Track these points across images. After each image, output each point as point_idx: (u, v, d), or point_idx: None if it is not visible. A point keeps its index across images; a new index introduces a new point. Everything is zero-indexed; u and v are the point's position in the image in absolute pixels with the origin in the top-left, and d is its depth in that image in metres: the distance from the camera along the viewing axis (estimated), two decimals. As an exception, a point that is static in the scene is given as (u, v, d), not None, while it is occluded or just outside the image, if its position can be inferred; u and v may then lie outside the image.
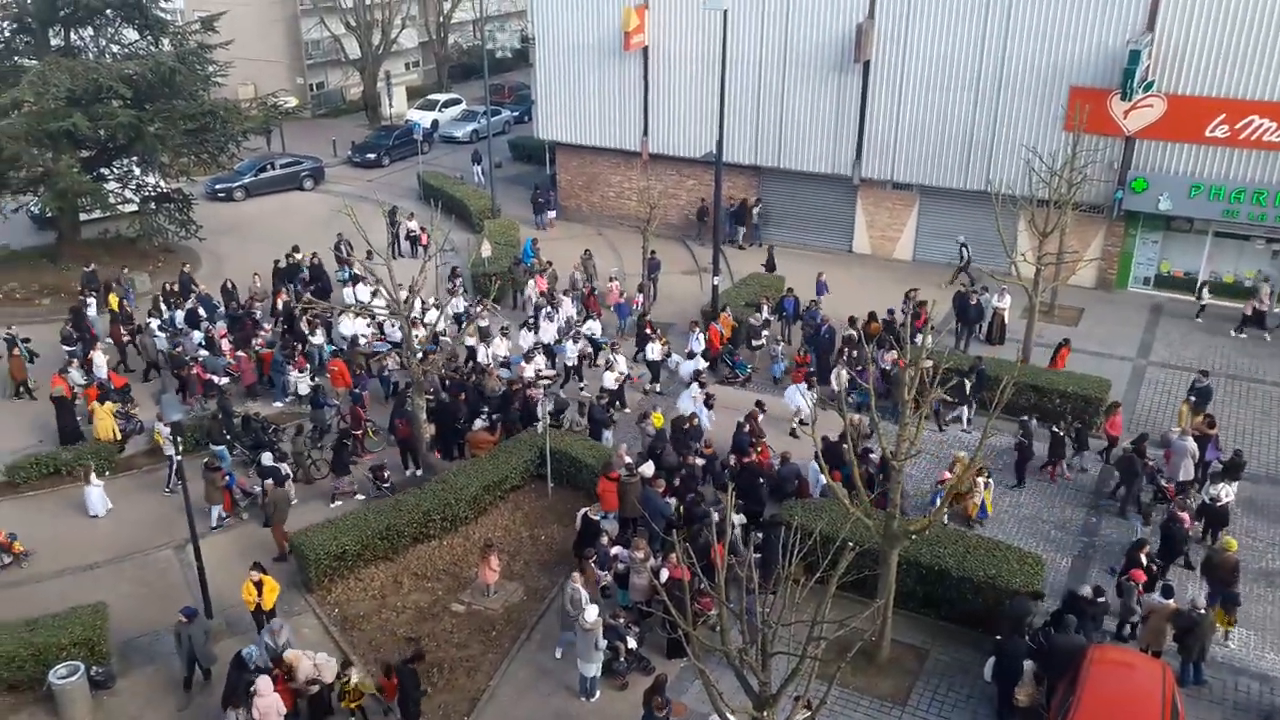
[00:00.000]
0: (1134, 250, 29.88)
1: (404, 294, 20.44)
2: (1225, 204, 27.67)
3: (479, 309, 25.77)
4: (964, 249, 29.78)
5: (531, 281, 28.49)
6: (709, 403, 21.14)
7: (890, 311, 25.43)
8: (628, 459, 18.86)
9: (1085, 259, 28.74)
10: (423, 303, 24.96)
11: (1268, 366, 25.33)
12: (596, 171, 37.27)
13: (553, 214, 36.76)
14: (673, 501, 18.03)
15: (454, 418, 21.57)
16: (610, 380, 22.28)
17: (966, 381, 21.85)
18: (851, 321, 24.95)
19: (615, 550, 17.26)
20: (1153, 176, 27.96)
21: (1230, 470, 19.08)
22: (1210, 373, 22.96)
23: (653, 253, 29.25)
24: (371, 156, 45.40)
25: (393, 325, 23.66)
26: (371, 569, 18.41)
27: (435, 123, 50.32)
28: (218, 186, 40.50)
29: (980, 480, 18.80)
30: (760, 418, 20.21)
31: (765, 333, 25.08)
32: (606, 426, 20.53)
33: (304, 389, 23.64)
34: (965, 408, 22.50)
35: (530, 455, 20.65)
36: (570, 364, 23.97)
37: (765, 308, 26.34)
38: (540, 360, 23.39)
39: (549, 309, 25.98)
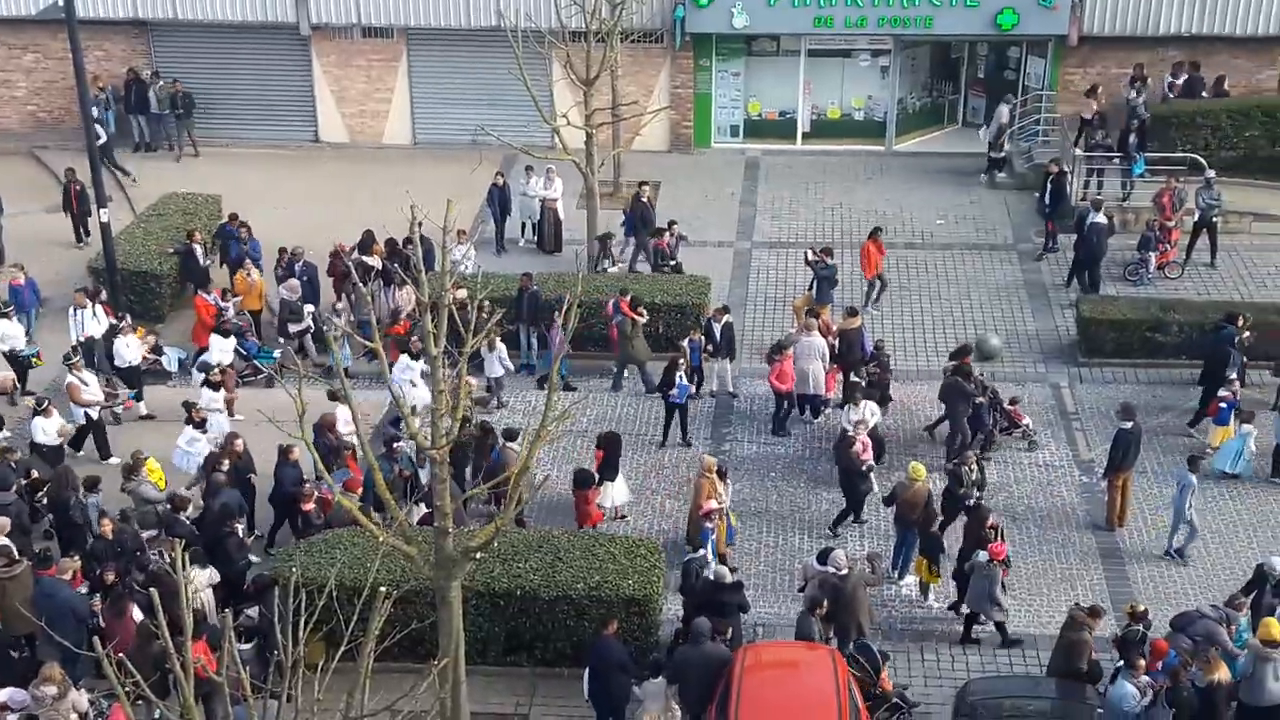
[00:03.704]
0: (712, 90, 31.03)
1: None
2: (815, 9, 29.04)
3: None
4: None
5: None
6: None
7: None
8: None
9: (650, 111, 29.04)
10: None
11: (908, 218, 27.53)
12: None
13: None
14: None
15: None
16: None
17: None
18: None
19: (5, 695, 15.51)
20: (717, -18, 29.61)
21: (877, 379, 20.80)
22: (833, 251, 24.50)
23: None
24: None
25: None
26: None
27: None
28: None
29: (716, 481, 17.98)
30: None
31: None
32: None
33: None
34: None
35: None
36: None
37: (199, 247, 24.47)
38: None
39: None
